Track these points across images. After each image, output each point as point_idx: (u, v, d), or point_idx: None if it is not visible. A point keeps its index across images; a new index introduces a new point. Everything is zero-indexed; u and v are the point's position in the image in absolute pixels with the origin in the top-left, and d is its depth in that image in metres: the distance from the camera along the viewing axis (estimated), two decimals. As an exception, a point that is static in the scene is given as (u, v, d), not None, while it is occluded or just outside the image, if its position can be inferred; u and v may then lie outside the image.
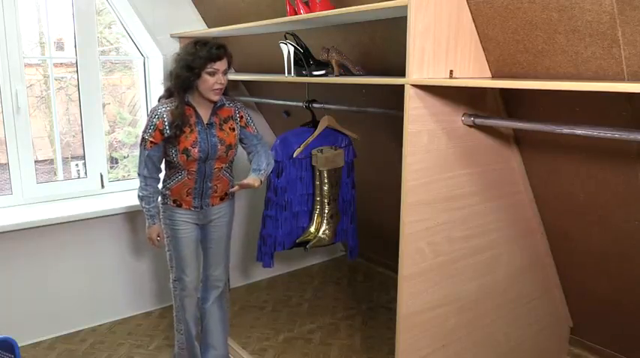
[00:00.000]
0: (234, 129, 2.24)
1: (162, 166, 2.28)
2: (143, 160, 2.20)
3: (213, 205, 2.28)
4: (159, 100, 2.24)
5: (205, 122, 2.18)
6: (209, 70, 2.06)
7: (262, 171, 2.24)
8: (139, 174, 2.23)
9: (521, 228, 2.16)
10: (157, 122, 2.13)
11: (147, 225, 2.27)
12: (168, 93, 2.19)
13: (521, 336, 2.28)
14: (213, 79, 2.08)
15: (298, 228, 2.58)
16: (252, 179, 2.18)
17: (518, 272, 2.18)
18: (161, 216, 2.30)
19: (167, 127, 2.12)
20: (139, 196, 2.25)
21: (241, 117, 2.27)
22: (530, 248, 2.22)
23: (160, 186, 2.28)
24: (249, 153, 2.32)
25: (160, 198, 2.29)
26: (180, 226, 2.26)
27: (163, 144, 2.16)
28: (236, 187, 2.21)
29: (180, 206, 2.24)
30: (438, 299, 1.87)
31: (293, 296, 3.38)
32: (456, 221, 1.87)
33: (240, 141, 2.30)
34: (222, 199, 2.31)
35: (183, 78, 2.09)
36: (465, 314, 1.98)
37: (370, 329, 2.96)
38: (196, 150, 2.14)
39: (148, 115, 2.21)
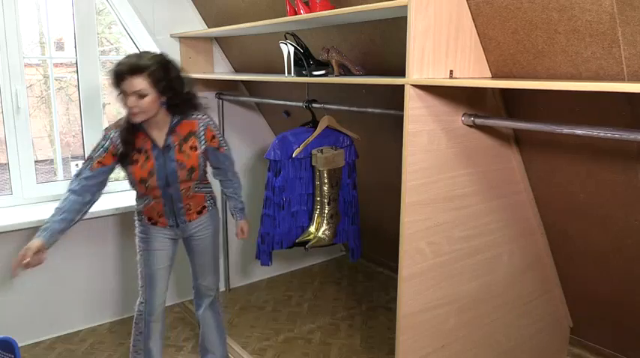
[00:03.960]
0: (196, 149, 2.06)
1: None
2: (78, 174, 1.97)
3: (190, 221, 2.18)
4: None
5: (161, 145, 2.01)
6: (119, 90, 1.88)
7: (242, 204, 2.35)
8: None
9: (521, 228, 2.16)
10: (110, 147, 1.98)
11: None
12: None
13: (521, 336, 2.28)
14: (126, 102, 1.88)
15: (297, 228, 2.58)
16: (244, 223, 2.37)
17: (518, 272, 2.18)
18: (135, 231, 2.21)
19: (118, 152, 1.98)
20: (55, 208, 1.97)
21: (212, 137, 2.10)
22: (530, 248, 2.22)
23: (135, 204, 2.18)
24: (215, 168, 2.26)
25: (135, 215, 2.20)
26: (155, 239, 2.16)
27: (114, 166, 2.01)
28: (242, 236, 2.37)
29: (155, 224, 2.16)
30: (438, 299, 1.87)
31: (293, 296, 3.38)
32: (456, 221, 1.87)
33: (209, 159, 2.17)
34: (200, 213, 2.20)
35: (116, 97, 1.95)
36: (464, 314, 1.98)
37: (370, 329, 2.96)
38: (154, 179, 2.01)
39: (100, 137, 2.03)
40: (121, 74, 1.84)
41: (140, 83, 1.84)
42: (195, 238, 2.24)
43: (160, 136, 2.01)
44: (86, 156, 2.01)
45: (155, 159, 2.00)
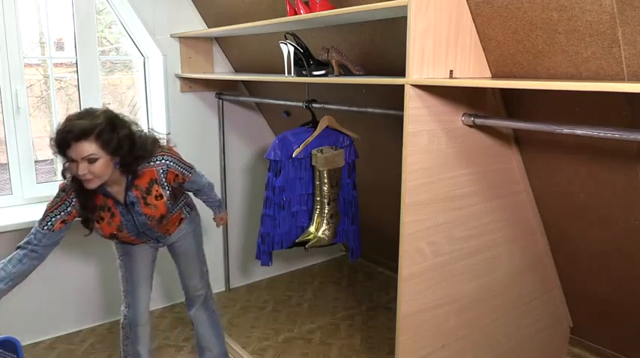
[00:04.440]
0: (162, 196, 1.94)
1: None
2: (40, 235, 1.80)
3: (170, 235, 2.19)
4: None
5: (123, 201, 1.89)
6: (66, 159, 1.73)
7: (219, 202, 2.37)
8: (18, 247, 1.83)
9: (521, 228, 2.16)
10: (72, 210, 1.85)
11: None
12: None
13: (521, 336, 2.28)
14: (76, 170, 1.70)
15: (297, 228, 2.58)
16: (223, 214, 2.42)
17: (518, 272, 2.18)
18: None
19: (80, 215, 1.87)
20: None
21: (175, 176, 1.96)
22: (530, 248, 2.22)
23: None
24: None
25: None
26: (134, 244, 2.15)
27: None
28: (222, 222, 2.43)
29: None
30: (438, 299, 1.87)
31: (293, 296, 3.38)
32: (456, 221, 1.87)
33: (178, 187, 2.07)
34: (178, 225, 2.20)
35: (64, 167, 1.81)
36: (465, 314, 1.98)
37: (370, 329, 2.96)
38: (125, 233, 1.95)
39: (57, 196, 1.86)
40: (66, 142, 1.66)
41: (89, 147, 1.67)
42: (177, 241, 2.25)
43: (119, 192, 1.88)
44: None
45: (121, 215, 1.91)
